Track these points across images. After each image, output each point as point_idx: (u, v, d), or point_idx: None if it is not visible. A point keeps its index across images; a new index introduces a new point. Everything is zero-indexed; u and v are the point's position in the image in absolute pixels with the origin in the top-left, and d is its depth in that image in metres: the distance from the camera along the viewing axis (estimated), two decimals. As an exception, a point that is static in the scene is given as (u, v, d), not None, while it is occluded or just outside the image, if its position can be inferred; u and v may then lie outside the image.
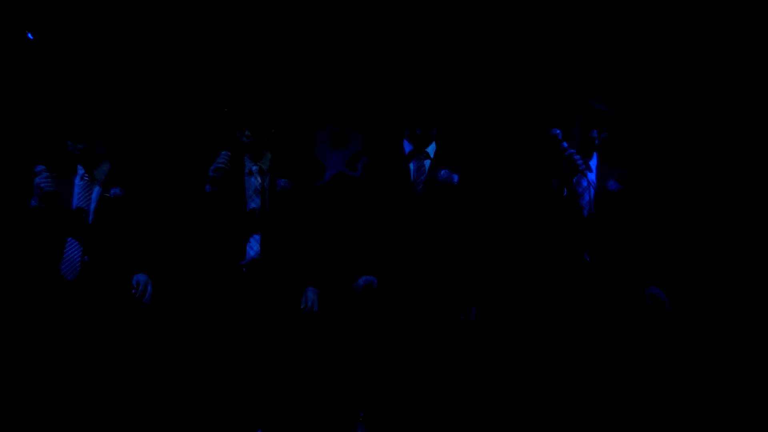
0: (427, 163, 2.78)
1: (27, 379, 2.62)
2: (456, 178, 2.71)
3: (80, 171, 2.73)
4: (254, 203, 2.74)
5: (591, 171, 2.72)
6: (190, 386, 2.91)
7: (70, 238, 2.64)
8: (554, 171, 2.59)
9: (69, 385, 2.58)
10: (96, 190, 2.72)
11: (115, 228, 2.67)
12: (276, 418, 2.68)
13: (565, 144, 2.55)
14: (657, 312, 2.60)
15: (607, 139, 2.71)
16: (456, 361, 2.70)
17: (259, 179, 2.78)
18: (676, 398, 2.99)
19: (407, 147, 2.81)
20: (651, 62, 3.39)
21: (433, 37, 3.46)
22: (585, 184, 2.67)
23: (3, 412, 2.67)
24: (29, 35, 3.27)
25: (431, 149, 2.81)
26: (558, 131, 2.57)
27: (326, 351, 3.13)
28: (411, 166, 2.78)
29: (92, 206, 2.69)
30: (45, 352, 2.60)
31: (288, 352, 2.72)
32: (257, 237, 2.70)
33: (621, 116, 2.77)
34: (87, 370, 2.58)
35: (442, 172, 2.71)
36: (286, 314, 2.70)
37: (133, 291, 2.60)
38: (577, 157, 2.51)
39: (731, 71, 3.31)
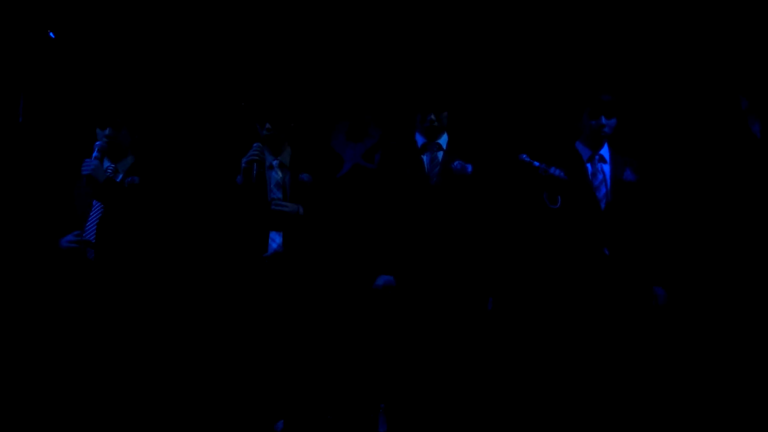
0: (440, 154, 2.79)
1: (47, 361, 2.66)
2: (470, 168, 2.72)
3: (106, 164, 2.77)
4: (276, 196, 2.76)
5: (605, 162, 2.71)
6: (214, 376, 2.95)
7: (94, 202, 2.69)
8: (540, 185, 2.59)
9: (87, 372, 2.62)
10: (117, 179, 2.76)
11: (127, 212, 2.69)
12: (298, 409, 2.71)
13: (536, 163, 2.55)
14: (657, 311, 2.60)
15: (617, 128, 2.69)
16: (475, 353, 2.70)
17: (280, 173, 2.81)
18: (696, 393, 2.97)
19: (420, 139, 2.82)
20: (663, 51, 3.36)
21: (443, 30, 3.47)
22: (600, 177, 2.67)
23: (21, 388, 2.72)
24: (51, 34, 3.30)
25: (443, 140, 2.81)
26: (525, 156, 2.57)
27: (347, 342, 3.15)
28: (424, 158, 2.78)
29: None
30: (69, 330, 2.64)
31: (310, 344, 2.74)
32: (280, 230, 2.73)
33: (631, 106, 2.75)
34: (103, 363, 2.61)
35: (456, 163, 2.71)
36: (308, 306, 2.72)
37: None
38: (552, 169, 2.52)
39: (742, 60, 3.27)
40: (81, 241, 2.63)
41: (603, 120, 2.65)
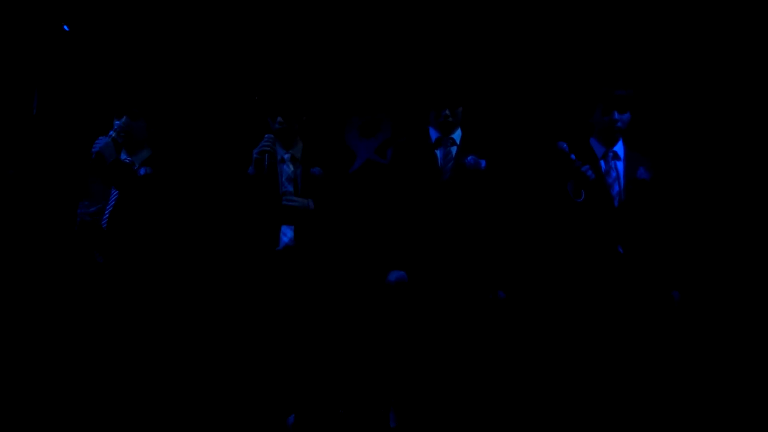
0: (454, 149, 2.77)
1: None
2: (483, 163, 2.70)
3: (122, 156, 2.77)
4: (287, 190, 2.77)
5: (619, 159, 2.68)
6: (225, 370, 2.96)
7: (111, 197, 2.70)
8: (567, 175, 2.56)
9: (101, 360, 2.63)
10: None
11: (138, 200, 2.68)
12: (309, 403, 2.71)
13: (573, 156, 2.52)
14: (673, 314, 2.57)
15: (631, 123, 2.66)
16: (486, 349, 2.69)
17: (291, 167, 2.81)
18: (709, 390, 2.94)
19: (433, 134, 2.81)
20: (680, 49, 3.33)
21: (457, 26, 3.46)
22: (614, 174, 2.63)
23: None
24: (65, 27, 3.32)
25: (457, 135, 2.80)
26: (564, 144, 2.54)
27: (359, 337, 3.15)
28: (438, 153, 2.77)
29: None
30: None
31: (321, 339, 2.74)
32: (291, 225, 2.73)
33: (647, 103, 2.71)
34: (111, 358, 2.62)
35: (469, 158, 2.70)
36: (319, 300, 2.72)
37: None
38: (585, 168, 2.50)
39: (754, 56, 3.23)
40: (92, 213, 2.62)
41: (616, 115, 2.63)
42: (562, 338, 2.69)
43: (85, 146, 2.87)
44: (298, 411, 2.69)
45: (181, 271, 2.81)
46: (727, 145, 3.22)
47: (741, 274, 3.07)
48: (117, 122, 2.67)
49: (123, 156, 2.76)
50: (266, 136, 2.69)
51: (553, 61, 3.43)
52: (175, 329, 2.79)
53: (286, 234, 2.72)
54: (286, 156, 2.82)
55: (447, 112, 2.73)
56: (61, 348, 2.72)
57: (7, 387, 2.83)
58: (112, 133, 2.62)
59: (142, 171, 2.73)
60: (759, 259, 3.06)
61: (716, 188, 3.19)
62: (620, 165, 2.67)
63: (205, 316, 3.09)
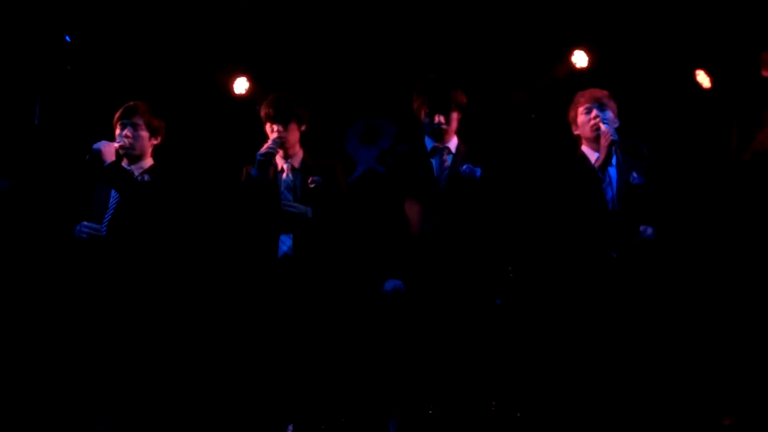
0: (450, 158, 2.77)
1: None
2: (478, 172, 2.70)
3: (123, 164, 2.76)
4: (286, 198, 2.78)
5: (612, 165, 2.67)
6: (224, 379, 2.96)
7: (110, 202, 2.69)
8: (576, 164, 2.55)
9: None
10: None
11: (136, 205, 2.67)
12: (309, 412, 2.71)
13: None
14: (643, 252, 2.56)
15: (621, 129, 2.66)
16: (484, 356, 2.68)
17: (291, 176, 2.82)
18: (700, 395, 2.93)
19: (429, 143, 2.80)
20: (672, 54, 3.35)
21: (453, 35, 3.48)
22: (607, 180, 2.63)
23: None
24: (67, 38, 3.34)
25: (453, 144, 2.79)
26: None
27: (358, 346, 3.15)
28: (433, 162, 2.76)
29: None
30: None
31: (320, 348, 2.74)
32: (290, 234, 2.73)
33: (639, 109, 2.70)
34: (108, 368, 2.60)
35: (465, 166, 2.70)
36: (318, 309, 2.72)
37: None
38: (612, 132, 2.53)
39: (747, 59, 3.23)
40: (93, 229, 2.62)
41: (597, 111, 2.63)
42: (560, 344, 2.69)
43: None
44: (298, 420, 2.69)
45: (180, 279, 2.81)
46: (721, 150, 3.21)
47: (736, 278, 3.06)
48: (119, 132, 2.69)
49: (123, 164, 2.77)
50: (273, 139, 2.71)
51: (549, 68, 3.44)
52: (175, 337, 2.79)
53: (285, 243, 2.73)
54: (286, 165, 2.83)
55: (441, 120, 2.74)
56: (61, 359, 2.73)
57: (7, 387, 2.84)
58: (120, 140, 2.63)
59: (139, 179, 2.73)
60: (755, 263, 3.05)
61: (710, 193, 3.18)
62: (613, 171, 2.67)
63: (205, 324, 3.10)
